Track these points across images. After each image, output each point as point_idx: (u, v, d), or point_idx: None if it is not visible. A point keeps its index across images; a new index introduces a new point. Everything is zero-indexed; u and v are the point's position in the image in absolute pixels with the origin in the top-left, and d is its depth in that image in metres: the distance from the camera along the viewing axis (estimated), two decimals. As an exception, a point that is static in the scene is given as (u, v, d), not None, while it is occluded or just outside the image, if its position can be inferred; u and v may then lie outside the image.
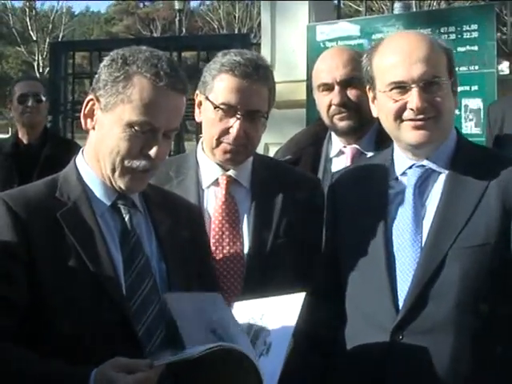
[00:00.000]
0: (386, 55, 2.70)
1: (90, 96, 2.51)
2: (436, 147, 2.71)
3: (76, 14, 59.55)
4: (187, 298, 2.49)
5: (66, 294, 2.32)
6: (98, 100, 2.47)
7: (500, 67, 7.21)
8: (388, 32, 6.30)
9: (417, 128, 2.64)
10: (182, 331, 2.38)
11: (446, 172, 2.69)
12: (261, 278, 2.96)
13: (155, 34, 46.11)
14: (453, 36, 5.99)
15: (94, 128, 2.51)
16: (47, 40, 42.50)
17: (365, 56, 2.81)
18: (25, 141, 5.76)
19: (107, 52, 2.57)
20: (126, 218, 2.52)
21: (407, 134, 2.67)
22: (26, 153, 5.67)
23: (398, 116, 2.66)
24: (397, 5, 6.98)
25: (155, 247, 2.56)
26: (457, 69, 5.59)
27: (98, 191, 2.51)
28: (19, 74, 54.21)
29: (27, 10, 40.51)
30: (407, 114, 2.65)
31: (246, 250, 3.05)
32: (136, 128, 2.40)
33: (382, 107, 2.74)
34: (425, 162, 2.72)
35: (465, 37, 5.94)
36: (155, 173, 2.57)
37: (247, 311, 2.56)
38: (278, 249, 3.05)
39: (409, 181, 2.73)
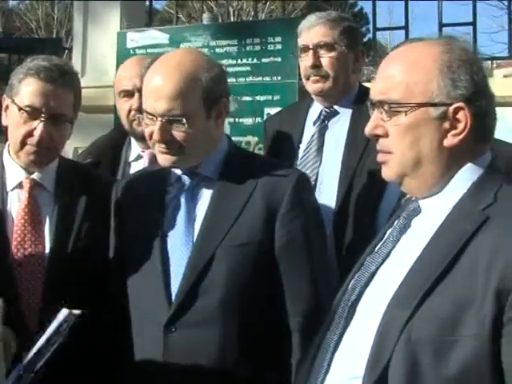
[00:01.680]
0: (148, 82, 2.85)
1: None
2: (204, 156, 2.90)
3: None
4: None
5: None
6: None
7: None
8: (196, 41, 6.45)
9: (162, 153, 2.83)
10: None
11: (217, 177, 2.88)
12: (62, 281, 3.03)
13: (-30, 33, 44.47)
14: (258, 47, 6.17)
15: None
16: None
17: (144, 70, 2.92)
18: None
19: None
20: None
21: (157, 155, 2.87)
22: None
23: (150, 139, 2.85)
24: (205, 15, 7.13)
25: None
26: (260, 78, 5.91)
27: None
28: None
29: None
30: (152, 140, 2.83)
31: (47, 253, 3.11)
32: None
33: (143, 122, 2.91)
34: (195, 170, 2.90)
35: (269, 48, 6.12)
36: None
37: None
38: (79, 251, 3.14)
39: (183, 186, 2.91)
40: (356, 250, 3.34)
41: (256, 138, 5.94)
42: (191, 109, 2.78)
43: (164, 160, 2.85)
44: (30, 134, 3.10)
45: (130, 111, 3.83)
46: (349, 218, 3.66)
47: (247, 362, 2.77)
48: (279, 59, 6.10)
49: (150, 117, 2.80)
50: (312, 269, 2.84)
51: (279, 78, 6.07)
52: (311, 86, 3.94)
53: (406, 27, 7.26)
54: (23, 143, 3.12)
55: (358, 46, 3.98)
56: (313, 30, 3.91)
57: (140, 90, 3.73)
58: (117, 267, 3.02)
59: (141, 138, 3.81)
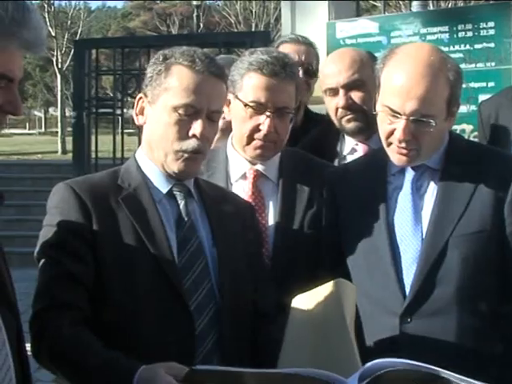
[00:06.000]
0: (392, 77, 2.79)
1: (140, 94, 2.75)
2: (435, 152, 2.89)
3: (93, 9, 59.68)
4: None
5: (126, 271, 2.54)
6: (145, 96, 2.71)
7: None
8: (406, 29, 6.41)
9: (400, 153, 2.82)
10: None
11: (441, 168, 2.88)
12: (286, 271, 3.07)
13: (172, 30, 46.12)
14: (470, 33, 6.08)
15: (145, 123, 2.74)
16: (65, 36, 42.54)
17: (380, 60, 2.91)
18: None
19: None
20: (181, 205, 2.72)
21: (392, 154, 2.86)
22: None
23: (388, 137, 2.82)
24: (415, 3, 7.05)
25: (208, 233, 2.75)
26: (474, 65, 5.84)
27: (155, 180, 2.74)
28: (37, 69, 54.33)
29: (45, 6, 40.43)
30: (393, 139, 2.80)
31: (271, 243, 3.16)
32: (180, 111, 2.62)
33: (379, 118, 2.88)
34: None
35: (481, 34, 6.02)
36: (206, 155, 2.76)
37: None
38: (302, 241, 3.17)
39: (406, 177, 2.91)
40: None
41: (471, 126, 5.84)
42: (439, 110, 2.77)
43: (399, 160, 2.84)
44: (256, 128, 3.13)
45: (337, 109, 3.77)
46: None
47: (483, 349, 2.78)
48: (492, 45, 5.98)
49: (393, 114, 2.77)
50: None
51: (493, 64, 5.96)
52: None
53: None
54: (250, 138, 3.16)
55: None
56: None
57: (344, 87, 3.70)
58: (333, 257, 3.07)
59: (352, 134, 3.80)
